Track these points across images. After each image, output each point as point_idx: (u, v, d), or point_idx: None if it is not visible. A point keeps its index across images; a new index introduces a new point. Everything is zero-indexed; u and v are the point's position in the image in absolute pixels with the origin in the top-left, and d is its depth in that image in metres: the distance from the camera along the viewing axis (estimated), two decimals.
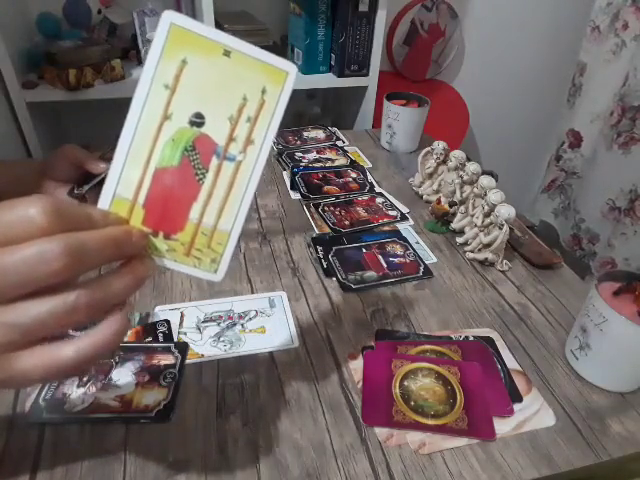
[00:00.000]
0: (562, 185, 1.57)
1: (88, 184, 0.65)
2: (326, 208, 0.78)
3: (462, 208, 0.73)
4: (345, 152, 0.97)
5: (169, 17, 0.29)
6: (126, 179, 0.30)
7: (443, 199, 0.74)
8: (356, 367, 0.50)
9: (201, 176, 0.31)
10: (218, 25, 1.12)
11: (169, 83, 0.30)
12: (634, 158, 1.30)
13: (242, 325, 0.55)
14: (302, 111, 1.43)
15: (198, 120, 0.30)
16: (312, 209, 0.78)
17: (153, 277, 0.61)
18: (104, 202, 0.30)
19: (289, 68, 0.31)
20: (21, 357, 0.26)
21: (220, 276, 0.33)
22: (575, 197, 1.50)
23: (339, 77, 1.25)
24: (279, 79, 0.31)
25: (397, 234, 0.72)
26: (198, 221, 0.31)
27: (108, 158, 0.68)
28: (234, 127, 0.31)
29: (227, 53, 0.30)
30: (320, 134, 1.05)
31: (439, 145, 0.80)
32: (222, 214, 0.32)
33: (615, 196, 1.36)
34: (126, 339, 0.52)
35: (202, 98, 0.30)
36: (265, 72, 0.30)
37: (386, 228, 0.74)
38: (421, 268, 0.65)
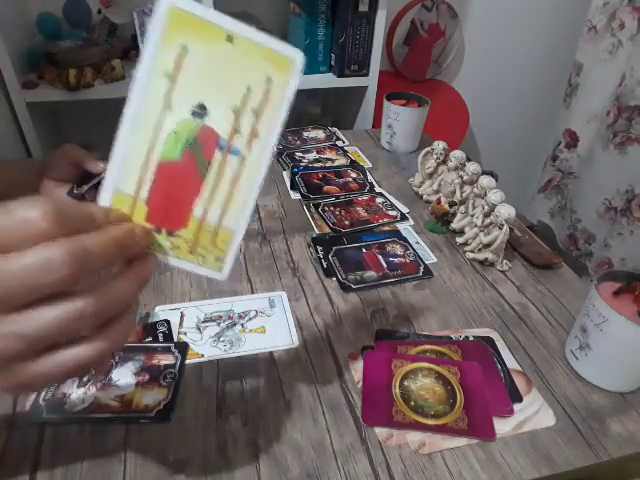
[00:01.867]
0: (558, 185, 1.57)
1: (87, 184, 0.65)
2: (326, 208, 0.78)
3: (462, 208, 0.73)
4: (345, 152, 0.97)
5: None
6: (127, 174, 0.29)
7: (443, 199, 0.74)
8: (356, 367, 0.50)
9: (204, 170, 0.30)
10: None
11: (169, 71, 0.28)
12: (630, 158, 1.29)
13: (242, 325, 0.55)
14: (302, 111, 1.43)
15: (200, 111, 0.29)
16: (312, 209, 0.78)
17: (153, 277, 0.61)
18: (105, 198, 0.29)
19: (295, 55, 0.29)
20: (29, 365, 0.25)
21: (225, 274, 0.32)
22: (571, 197, 1.50)
23: (339, 77, 1.25)
24: (285, 67, 0.29)
25: (397, 234, 0.72)
26: (202, 217, 0.30)
27: (108, 158, 0.68)
28: (238, 119, 0.29)
29: (230, 39, 0.28)
30: (320, 134, 1.05)
31: (439, 145, 0.80)
32: (227, 210, 0.30)
33: (611, 196, 1.36)
34: None
35: (204, 87, 0.28)
36: (270, 59, 0.29)
37: (386, 228, 0.74)
38: (421, 268, 0.65)
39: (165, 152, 0.29)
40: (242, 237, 0.31)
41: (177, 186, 0.30)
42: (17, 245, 0.23)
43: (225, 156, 0.30)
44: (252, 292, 0.60)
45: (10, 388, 0.26)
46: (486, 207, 0.65)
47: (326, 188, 0.83)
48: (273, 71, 0.29)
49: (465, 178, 0.72)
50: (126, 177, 0.29)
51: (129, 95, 0.28)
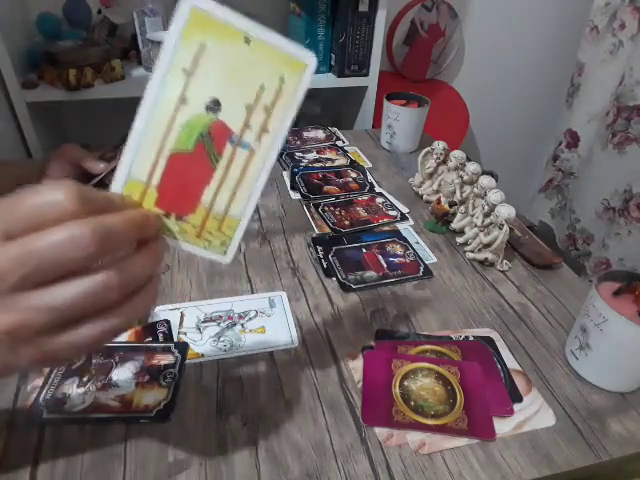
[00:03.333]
0: (559, 185, 1.57)
1: (87, 184, 0.65)
2: (326, 208, 0.78)
3: (462, 208, 0.73)
4: (345, 152, 0.97)
5: None
6: (140, 161, 0.30)
7: (443, 199, 0.74)
8: (356, 367, 0.50)
9: (214, 162, 0.31)
10: None
11: (187, 67, 0.29)
12: (629, 158, 1.29)
13: (242, 325, 0.55)
14: (302, 111, 1.43)
15: (214, 106, 0.30)
16: (312, 209, 0.78)
17: None
18: (118, 182, 0.30)
19: (308, 59, 0.31)
20: (57, 337, 0.27)
21: (229, 258, 0.34)
22: (571, 197, 1.50)
23: (339, 77, 1.25)
24: (298, 69, 0.31)
25: (397, 234, 0.72)
26: (210, 205, 0.32)
27: (108, 158, 0.68)
28: (250, 115, 0.31)
29: (247, 40, 0.29)
30: (320, 134, 1.05)
31: (439, 145, 0.80)
32: (233, 199, 0.32)
33: (610, 196, 1.36)
34: (126, 339, 0.52)
35: (219, 84, 0.30)
36: (284, 61, 0.30)
37: (386, 228, 0.74)
38: (421, 268, 0.65)
39: (178, 143, 0.31)
40: (247, 224, 0.33)
41: (188, 175, 0.31)
42: (45, 224, 0.25)
43: (235, 149, 0.31)
44: (252, 292, 0.60)
45: (37, 360, 0.27)
46: (486, 207, 0.65)
47: (326, 188, 0.83)
48: (286, 72, 0.30)
49: (465, 178, 0.72)
50: (140, 165, 0.30)
51: (146, 87, 0.29)
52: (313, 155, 0.95)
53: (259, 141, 0.31)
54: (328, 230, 0.73)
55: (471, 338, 0.55)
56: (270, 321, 0.55)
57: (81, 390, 0.46)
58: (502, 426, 0.45)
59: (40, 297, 0.25)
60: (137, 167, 0.30)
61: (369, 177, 0.88)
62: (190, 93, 0.30)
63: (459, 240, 0.71)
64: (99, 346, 0.29)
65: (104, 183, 0.67)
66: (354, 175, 0.88)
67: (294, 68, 0.30)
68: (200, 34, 0.29)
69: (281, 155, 0.94)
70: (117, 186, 0.31)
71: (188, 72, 0.29)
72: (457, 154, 0.76)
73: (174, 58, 0.29)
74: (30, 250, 0.25)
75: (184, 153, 0.31)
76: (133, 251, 0.29)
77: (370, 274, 0.64)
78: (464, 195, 0.73)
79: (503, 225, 0.63)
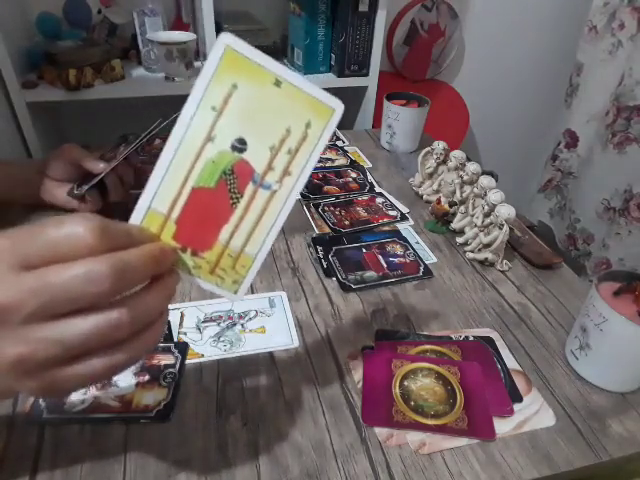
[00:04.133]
0: (558, 185, 1.57)
1: (87, 184, 0.65)
2: (326, 208, 0.78)
3: (462, 208, 0.73)
4: (345, 152, 0.97)
5: (225, 39, 0.29)
6: (163, 194, 0.31)
7: (443, 199, 0.74)
8: (356, 367, 0.50)
9: (235, 200, 0.32)
10: (218, 25, 1.11)
11: (217, 106, 0.30)
12: (629, 158, 1.29)
13: (242, 325, 0.55)
14: None
15: (240, 145, 0.31)
16: (312, 209, 0.78)
17: None
18: (139, 213, 0.31)
19: (336, 106, 0.31)
20: (64, 369, 0.27)
21: (240, 297, 0.34)
22: (571, 197, 1.50)
23: (339, 77, 1.25)
24: (325, 115, 0.31)
25: (397, 234, 0.72)
26: (226, 242, 0.32)
27: (108, 158, 0.68)
28: (274, 157, 0.31)
29: (278, 83, 0.30)
30: None
31: (439, 145, 0.80)
32: (250, 239, 0.33)
33: (610, 196, 1.36)
34: None
35: (247, 124, 0.31)
36: (312, 106, 0.31)
37: (386, 228, 0.74)
38: (421, 268, 0.65)
39: (201, 179, 0.31)
40: (261, 264, 0.33)
41: (208, 211, 0.32)
42: (64, 257, 0.25)
43: (256, 189, 0.32)
44: (252, 292, 0.60)
45: (43, 391, 0.28)
46: (486, 207, 0.65)
47: (326, 188, 0.84)
48: (313, 117, 0.31)
49: (465, 178, 0.72)
50: (162, 197, 0.31)
51: (176, 121, 0.30)
52: None
53: (281, 183, 0.32)
54: (328, 230, 0.73)
55: (471, 338, 0.55)
56: (270, 321, 0.55)
57: (81, 390, 0.46)
58: (502, 426, 0.45)
59: (50, 330, 0.26)
60: (159, 199, 0.31)
61: (369, 177, 0.88)
62: (217, 131, 0.30)
63: (459, 240, 0.71)
64: (104, 380, 0.29)
65: (104, 183, 0.67)
66: (354, 175, 0.88)
67: (321, 113, 0.31)
68: (232, 74, 0.29)
69: None
70: (138, 216, 0.31)
71: (218, 110, 0.30)
72: (457, 154, 0.76)
73: (205, 95, 0.30)
74: (46, 283, 0.25)
75: (206, 189, 0.31)
76: (147, 285, 0.29)
77: (370, 274, 0.64)
78: (464, 195, 0.73)
79: (503, 225, 0.63)
